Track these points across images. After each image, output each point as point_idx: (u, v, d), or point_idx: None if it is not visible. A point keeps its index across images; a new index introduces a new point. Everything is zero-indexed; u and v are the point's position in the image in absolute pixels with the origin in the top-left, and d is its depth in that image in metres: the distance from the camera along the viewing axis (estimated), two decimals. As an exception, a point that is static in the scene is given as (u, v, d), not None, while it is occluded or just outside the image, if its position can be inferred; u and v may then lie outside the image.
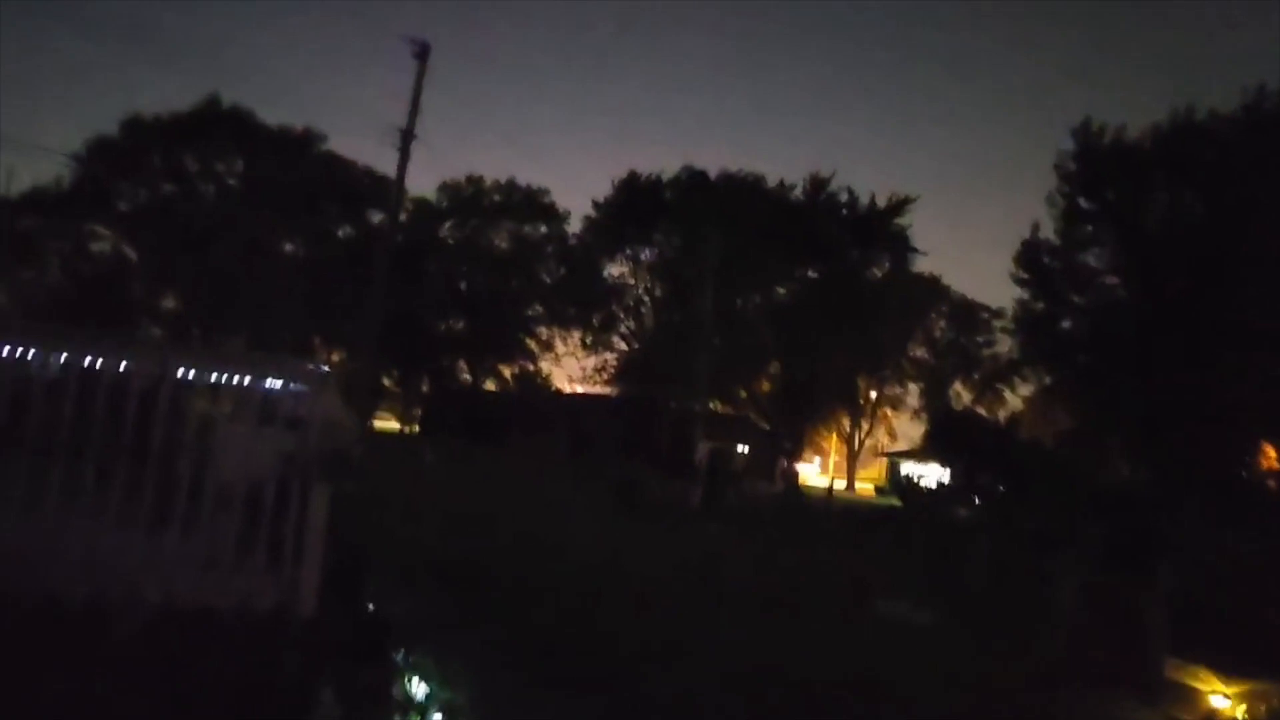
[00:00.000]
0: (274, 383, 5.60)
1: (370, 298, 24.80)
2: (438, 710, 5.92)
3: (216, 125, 47.02)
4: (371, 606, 6.83)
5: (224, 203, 47.46)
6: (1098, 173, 27.44)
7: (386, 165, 49.22)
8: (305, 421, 5.27)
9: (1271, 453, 20.05)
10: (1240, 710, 8.78)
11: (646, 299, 50.52)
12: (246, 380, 5.46)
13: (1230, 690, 8.93)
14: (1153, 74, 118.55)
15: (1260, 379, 11.91)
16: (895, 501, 32.56)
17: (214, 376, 5.48)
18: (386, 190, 46.39)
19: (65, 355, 5.08)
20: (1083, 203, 27.28)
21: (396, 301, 28.53)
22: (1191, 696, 9.20)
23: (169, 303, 49.41)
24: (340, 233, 51.15)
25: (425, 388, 53.58)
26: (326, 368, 5.57)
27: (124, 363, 5.30)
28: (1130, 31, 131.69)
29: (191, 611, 4.71)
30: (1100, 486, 18.85)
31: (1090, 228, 27.86)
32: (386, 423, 55.21)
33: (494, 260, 52.43)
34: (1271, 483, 18.95)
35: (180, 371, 5.27)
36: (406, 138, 23.25)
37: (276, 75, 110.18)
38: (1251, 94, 24.63)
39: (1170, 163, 25.08)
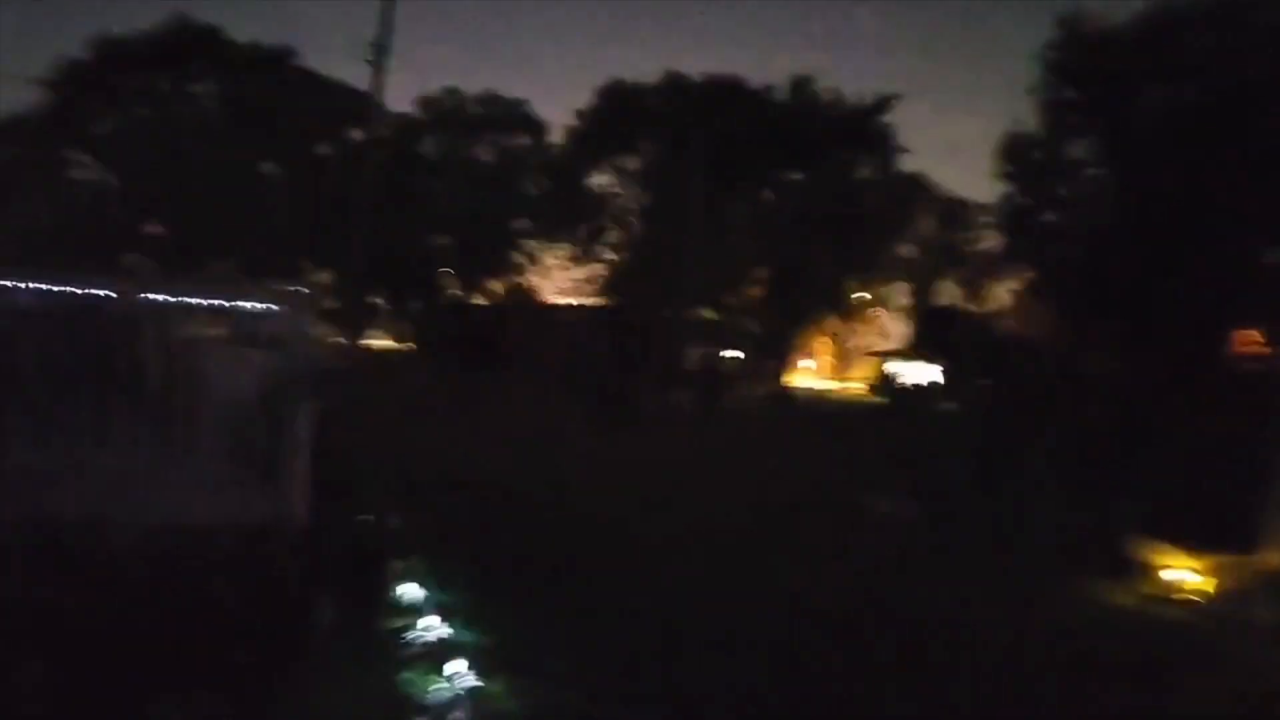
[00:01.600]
0: (255, 305, 5.72)
1: (354, 217, 24.62)
2: (432, 611, 6.21)
3: (187, 45, 45.86)
4: (368, 518, 7.08)
5: (201, 124, 46.64)
6: (1083, 62, 27.05)
7: (362, 80, 48.35)
8: (286, 342, 5.40)
9: (1256, 336, 20.36)
10: (1201, 582, 9.18)
11: (634, 208, 50.17)
12: (227, 304, 5.58)
13: (1192, 564, 9.31)
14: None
15: (1240, 266, 12.09)
16: (884, 400, 33.06)
17: (196, 301, 5.59)
18: (365, 106, 45.61)
19: (50, 287, 5.18)
20: (1068, 93, 26.96)
21: (382, 219, 28.28)
22: (1161, 573, 9.59)
23: (153, 228, 48.90)
24: (320, 151, 50.40)
25: (417, 305, 53.53)
26: (306, 290, 5.69)
27: (104, 292, 5.41)
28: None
29: (189, 526, 4.91)
30: (1081, 379, 19.18)
31: (1076, 119, 27.57)
32: (381, 341, 55.38)
33: (478, 174, 51.83)
34: (1254, 367, 19.27)
35: (162, 298, 5.38)
36: (379, 50, 22.77)
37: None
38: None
39: (1156, 50, 24.75)
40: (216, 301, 5.59)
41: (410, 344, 53.12)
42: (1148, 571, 9.81)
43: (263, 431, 5.42)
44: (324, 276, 50.57)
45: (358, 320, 27.73)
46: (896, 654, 7.21)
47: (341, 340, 25.14)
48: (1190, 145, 20.90)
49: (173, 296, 5.61)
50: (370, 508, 7.37)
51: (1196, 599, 9.23)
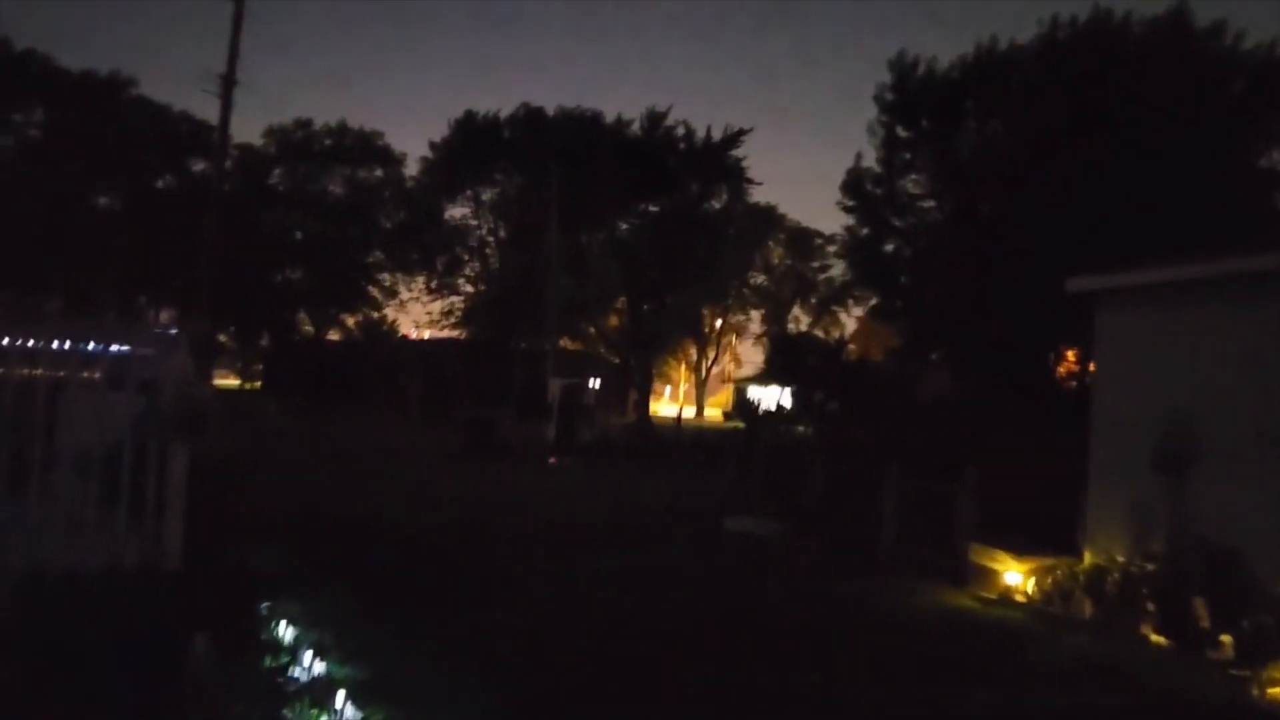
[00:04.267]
0: (123, 346, 5.69)
1: (201, 252, 23.89)
2: (308, 648, 6.26)
3: (9, 70, 43.36)
4: (235, 560, 7.05)
5: (26, 155, 44.13)
6: (913, 102, 28.79)
7: (205, 110, 46.75)
8: (157, 384, 5.41)
9: (1070, 356, 21.96)
10: (1030, 584, 10.05)
11: (490, 239, 50.18)
12: (95, 347, 5.55)
13: (1023, 567, 10.18)
14: (971, 9, 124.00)
15: (1053, 289, 13.25)
16: (740, 425, 34.02)
17: (62, 344, 5.53)
18: (208, 136, 44.16)
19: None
20: (900, 131, 28.63)
21: (228, 254, 27.47)
22: (992, 576, 10.44)
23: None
24: (160, 183, 48.43)
25: (265, 342, 51.85)
26: (175, 330, 5.70)
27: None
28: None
29: (59, 573, 4.86)
30: (921, 399, 20.40)
31: (908, 155, 29.26)
32: (225, 380, 53.30)
33: (329, 207, 50.84)
34: (1072, 384, 20.84)
35: (29, 342, 5.32)
36: (228, 83, 22.36)
37: (79, 22, 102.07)
38: (1045, 26, 26.45)
39: (976, 92, 26.64)
40: (81, 344, 5.55)
41: (258, 382, 51.37)
42: (986, 576, 10.63)
43: (136, 475, 5.41)
44: (164, 313, 48.65)
45: (207, 358, 26.81)
46: (752, 653, 7.67)
47: (205, 382, 24.27)
48: (1005, 177, 22.58)
49: (34, 340, 5.54)
50: (241, 547, 7.34)
51: (1026, 599, 10.08)
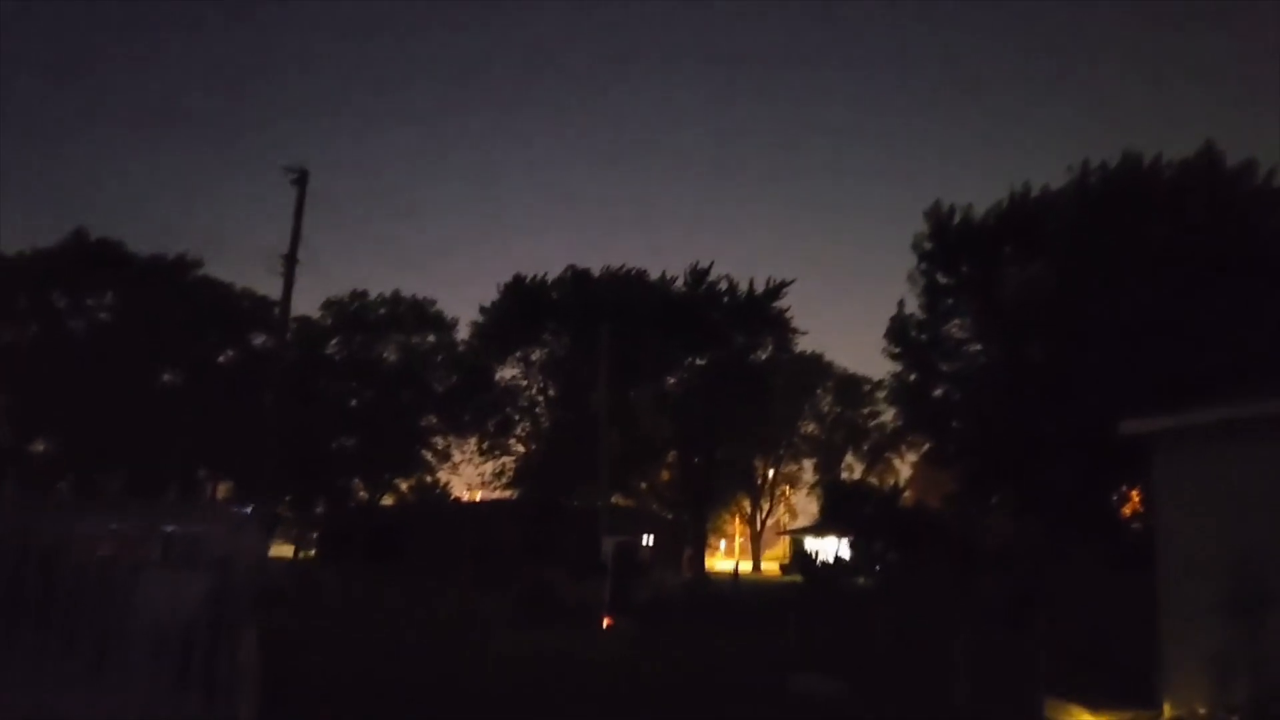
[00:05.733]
0: (199, 527, 5.91)
1: (262, 426, 24.56)
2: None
3: (84, 259, 45.94)
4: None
5: (95, 338, 46.15)
6: (951, 250, 29.36)
7: (267, 286, 48.86)
8: (230, 562, 5.59)
9: (1134, 496, 21.45)
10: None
11: (540, 399, 50.84)
12: (173, 528, 5.77)
13: (1103, 722, 9.76)
14: (997, 154, 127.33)
15: (1110, 430, 13.08)
16: (798, 578, 33.31)
17: (140, 528, 5.77)
18: (268, 311, 46.05)
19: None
20: (941, 278, 29.12)
21: (286, 424, 28.20)
22: (1072, 732, 10.00)
23: (39, 446, 47.34)
24: (221, 358, 50.18)
25: (320, 509, 52.28)
26: (249, 509, 5.93)
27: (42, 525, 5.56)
28: (974, 117, 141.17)
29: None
30: (982, 544, 19.96)
31: (950, 300, 29.65)
32: (281, 548, 53.52)
33: (383, 374, 52.11)
34: (1137, 525, 20.32)
35: (108, 527, 5.55)
36: (290, 263, 23.48)
37: (149, 211, 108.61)
38: (1077, 171, 27.15)
39: (1013, 236, 27.14)
40: (162, 526, 5.78)
41: (312, 550, 51.49)
42: (1062, 731, 10.18)
43: (209, 652, 5.53)
44: (223, 486, 49.48)
45: (268, 531, 27.15)
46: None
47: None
48: (1046, 318, 22.67)
49: (119, 523, 5.79)
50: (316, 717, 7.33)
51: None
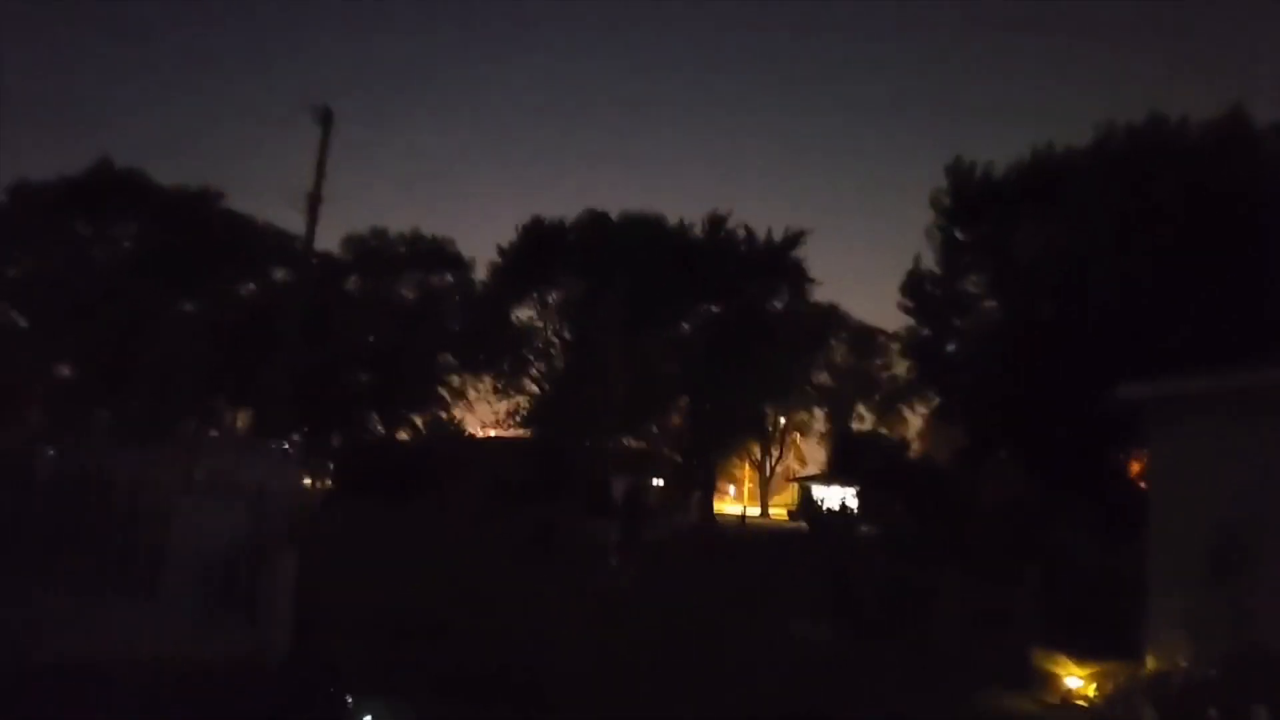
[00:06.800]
0: (239, 461, 6.35)
1: (280, 359, 25.07)
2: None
3: (108, 188, 46.29)
4: (327, 657, 7.56)
5: (117, 267, 46.70)
6: (970, 206, 29.33)
7: (288, 220, 49.23)
8: (268, 495, 6.02)
9: (1133, 463, 21.74)
10: (1091, 688, 10.08)
11: (555, 341, 51.30)
12: (213, 462, 6.21)
13: (1083, 672, 10.22)
14: (1019, 110, 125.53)
15: (1110, 392, 13.33)
16: (804, 525, 33.99)
17: (182, 459, 6.21)
18: (290, 245, 46.35)
19: (52, 453, 5.77)
20: (958, 234, 29.16)
21: (304, 357, 28.72)
22: (1054, 680, 10.48)
23: (63, 370, 48.22)
24: (243, 290, 50.74)
25: (336, 442, 53.13)
26: (289, 447, 6.36)
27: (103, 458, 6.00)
28: (998, 71, 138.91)
29: (179, 662, 5.42)
30: (985, 499, 20.39)
31: (967, 257, 29.69)
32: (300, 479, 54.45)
33: (401, 311, 52.58)
34: (1134, 488, 20.66)
35: (153, 463, 6.00)
36: (313, 202, 23.74)
37: (172, 142, 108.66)
38: (1101, 130, 26.99)
39: (1033, 195, 27.09)
40: (203, 458, 6.22)
41: (328, 481, 52.46)
42: (1047, 680, 10.66)
43: (249, 576, 6.00)
44: (241, 416, 50.35)
45: (302, 465, 27.77)
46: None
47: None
48: (1059, 279, 22.75)
49: (156, 456, 6.22)
50: (334, 644, 7.85)
51: (1087, 703, 10.10)
